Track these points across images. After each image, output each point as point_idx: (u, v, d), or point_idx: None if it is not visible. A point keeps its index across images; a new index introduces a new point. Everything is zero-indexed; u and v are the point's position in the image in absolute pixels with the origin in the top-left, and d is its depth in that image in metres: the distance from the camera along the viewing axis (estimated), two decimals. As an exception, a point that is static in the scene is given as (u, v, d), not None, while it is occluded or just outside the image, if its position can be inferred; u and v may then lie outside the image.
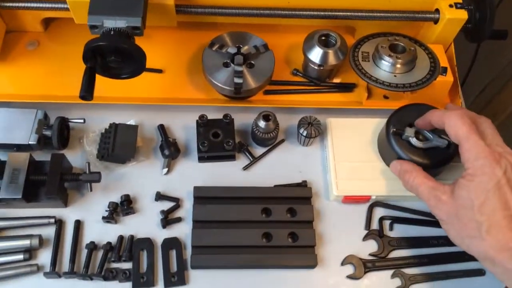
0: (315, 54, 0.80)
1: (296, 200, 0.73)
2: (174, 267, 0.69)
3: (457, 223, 0.58)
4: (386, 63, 0.77)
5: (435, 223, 0.74)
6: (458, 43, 0.85)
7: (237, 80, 0.77)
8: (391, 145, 0.71)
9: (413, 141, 0.70)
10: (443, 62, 0.79)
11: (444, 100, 0.82)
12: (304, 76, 0.85)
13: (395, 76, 0.77)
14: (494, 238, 0.54)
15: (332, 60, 0.80)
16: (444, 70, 0.78)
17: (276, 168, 0.78)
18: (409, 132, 0.70)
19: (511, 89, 1.01)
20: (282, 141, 0.81)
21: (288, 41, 0.88)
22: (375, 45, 0.79)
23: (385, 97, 0.82)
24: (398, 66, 0.77)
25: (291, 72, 0.86)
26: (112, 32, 0.68)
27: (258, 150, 0.80)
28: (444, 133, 0.66)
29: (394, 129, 0.71)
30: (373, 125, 0.79)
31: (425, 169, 0.67)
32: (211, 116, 0.78)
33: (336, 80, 0.86)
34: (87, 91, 0.65)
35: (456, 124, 0.60)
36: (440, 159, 0.70)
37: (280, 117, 0.79)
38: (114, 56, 0.68)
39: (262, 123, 0.75)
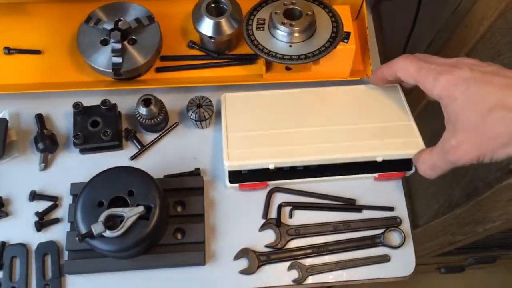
0: (206, 26, 0.71)
1: (186, 191, 0.67)
2: (50, 274, 0.63)
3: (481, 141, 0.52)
4: (281, 32, 0.68)
5: (338, 208, 0.69)
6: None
7: (115, 60, 0.69)
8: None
9: (108, 233, 0.56)
10: (348, 26, 0.70)
11: (354, 67, 0.74)
12: (201, 49, 0.77)
13: (290, 46, 0.68)
14: None
15: (225, 30, 0.71)
16: (347, 36, 0.69)
17: (168, 156, 0.71)
18: (98, 228, 0.56)
19: (455, 40, 0.93)
20: (176, 124, 0.73)
21: (183, 9, 0.78)
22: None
23: (288, 68, 0.74)
24: (296, 34, 0.68)
25: (187, 45, 0.77)
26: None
27: (149, 137, 0.73)
28: (141, 198, 0.58)
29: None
30: (271, 98, 0.71)
31: (139, 246, 0.58)
32: (97, 100, 0.70)
33: (238, 51, 0.77)
34: None
35: (405, 64, 0.60)
36: (150, 228, 0.58)
37: (175, 96, 0.72)
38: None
39: (142, 109, 0.67)
